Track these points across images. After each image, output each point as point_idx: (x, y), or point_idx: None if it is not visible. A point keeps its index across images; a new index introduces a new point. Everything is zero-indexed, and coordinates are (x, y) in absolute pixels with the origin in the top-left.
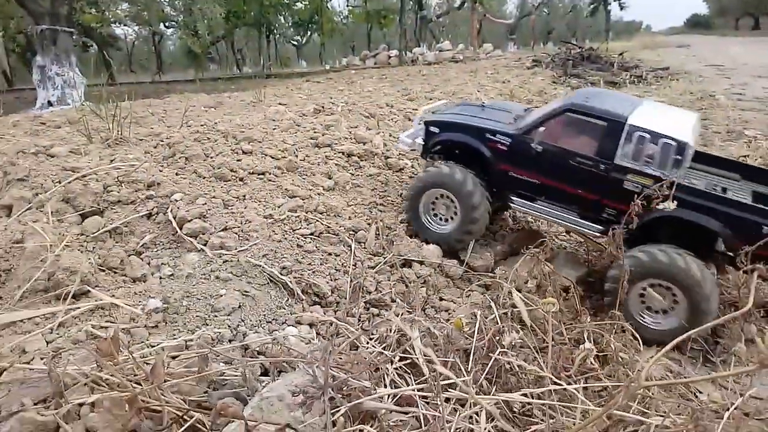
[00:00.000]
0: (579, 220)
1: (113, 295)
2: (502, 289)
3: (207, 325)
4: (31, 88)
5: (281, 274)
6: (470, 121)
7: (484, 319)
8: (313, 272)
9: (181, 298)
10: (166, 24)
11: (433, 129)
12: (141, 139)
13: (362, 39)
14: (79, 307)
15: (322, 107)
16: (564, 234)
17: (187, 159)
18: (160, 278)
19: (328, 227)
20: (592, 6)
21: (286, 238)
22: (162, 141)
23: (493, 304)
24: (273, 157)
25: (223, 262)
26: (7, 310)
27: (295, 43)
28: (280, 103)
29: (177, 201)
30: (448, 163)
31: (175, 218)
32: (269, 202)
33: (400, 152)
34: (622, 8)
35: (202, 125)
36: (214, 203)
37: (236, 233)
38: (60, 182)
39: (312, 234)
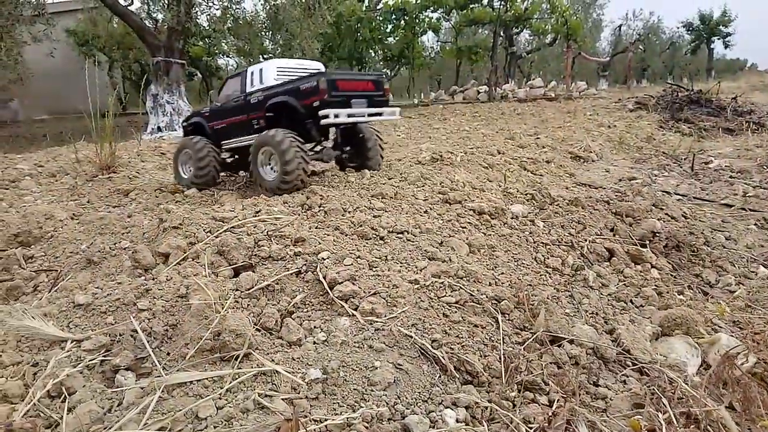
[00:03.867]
0: (250, 136)
1: (272, 360)
2: (668, 381)
3: (365, 400)
4: (141, 112)
5: (433, 347)
6: (198, 113)
7: (657, 418)
8: (462, 346)
9: (338, 368)
10: (265, 57)
11: (185, 124)
12: None
13: (448, 73)
14: (244, 372)
15: (441, 156)
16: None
17: (326, 213)
18: (314, 343)
19: (471, 295)
20: (693, 44)
21: (432, 306)
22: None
23: (664, 399)
24: (408, 214)
25: (375, 330)
26: (179, 370)
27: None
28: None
29: (325, 260)
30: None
31: (324, 278)
32: (411, 264)
33: (524, 214)
34: (726, 46)
35: (333, 176)
36: (360, 264)
37: (384, 299)
38: (211, 232)
39: (457, 302)
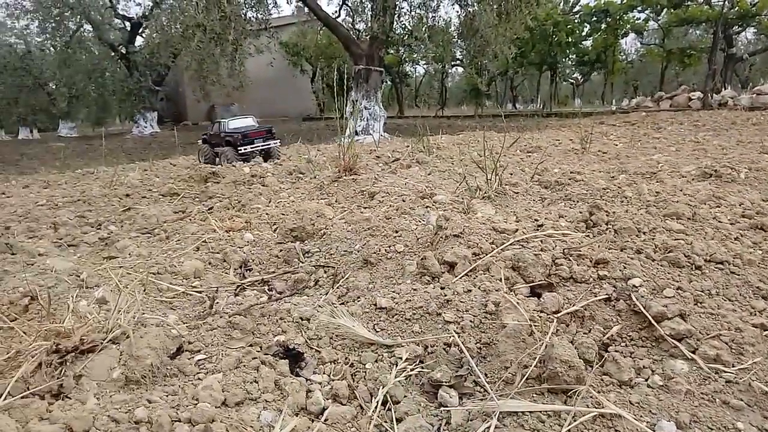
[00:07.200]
0: (221, 148)
1: (606, 399)
2: None
3: None
4: (338, 117)
5: None
6: (206, 133)
7: None
8: None
9: (689, 423)
10: (453, 63)
11: (203, 136)
12: (516, 192)
13: (646, 78)
14: (583, 412)
15: (715, 171)
16: None
17: (616, 232)
18: (650, 387)
19: None
20: None
21: None
22: (570, 199)
23: None
24: (716, 240)
25: (726, 382)
26: (503, 396)
27: (573, 81)
28: (600, 151)
29: (638, 288)
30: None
31: (647, 310)
32: (744, 303)
33: None
34: None
35: (604, 188)
36: (684, 297)
37: (727, 344)
38: (494, 244)
39: None
